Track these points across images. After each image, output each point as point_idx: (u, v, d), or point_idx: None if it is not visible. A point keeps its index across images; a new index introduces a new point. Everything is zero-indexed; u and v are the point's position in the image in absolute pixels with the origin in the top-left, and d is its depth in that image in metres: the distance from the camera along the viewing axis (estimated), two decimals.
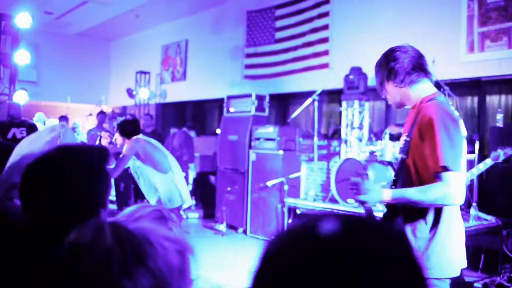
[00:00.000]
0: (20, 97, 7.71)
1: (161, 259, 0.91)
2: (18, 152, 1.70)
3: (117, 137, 4.85)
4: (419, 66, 2.46)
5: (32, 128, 7.18)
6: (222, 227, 7.44)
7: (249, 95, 7.81)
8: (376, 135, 6.70)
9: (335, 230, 0.62)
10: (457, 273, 2.28)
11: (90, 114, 11.56)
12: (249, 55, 10.10)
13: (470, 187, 5.81)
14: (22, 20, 7.85)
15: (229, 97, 8.21)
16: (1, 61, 8.05)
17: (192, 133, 9.23)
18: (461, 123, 2.32)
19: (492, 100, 6.65)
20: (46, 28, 12.72)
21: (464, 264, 2.32)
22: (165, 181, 4.76)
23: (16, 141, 6.63)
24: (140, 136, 4.85)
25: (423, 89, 2.44)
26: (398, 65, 2.45)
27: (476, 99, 6.77)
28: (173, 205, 4.76)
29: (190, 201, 5.05)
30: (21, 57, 7.92)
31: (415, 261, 0.63)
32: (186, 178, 7.98)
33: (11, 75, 8.18)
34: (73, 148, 1.35)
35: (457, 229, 2.31)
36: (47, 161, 1.26)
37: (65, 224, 1.16)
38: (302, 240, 0.64)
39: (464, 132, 2.30)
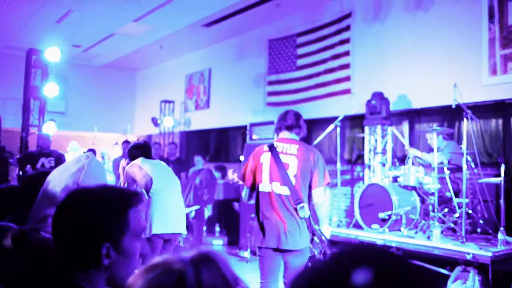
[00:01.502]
0: (49, 128, 7.93)
1: None
2: (47, 183, 1.78)
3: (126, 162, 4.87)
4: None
5: (60, 158, 7.38)
6: (246, 254, 7.44)
7: (272, 122, 7.87)
8: (400, 159, 6.68)
9: (368, 280, 0.60)
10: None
11: (116, 143, 11.78)
12: (271, 83, 10.22)
13: (496, 212, 5.72)
14: (51, 54, 8.14)
15: (252, 124, 8.30)
16: (31, 93, 8.33)
17: (218, 174, 9.23)
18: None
19: None
20: (74, 60, 13.11)
21: None
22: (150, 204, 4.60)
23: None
24: (138, 160, 4.74)
25: None
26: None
27: (500, 121, 6.70)
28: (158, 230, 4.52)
29: (173, 230, 4.65)
30: (50, 89, 8.19)
31: None
32: (202, 215, 8.01)
33: (41, 106, 8.44)
34: (96, 192, 1.39)
35: None
36: (71, 203, 1.34)
37: (84, 259, 1.29)
38: (333, 284, 0.62)
39: None
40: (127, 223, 1.31)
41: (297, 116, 3.90)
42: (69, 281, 1.27)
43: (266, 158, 3.76)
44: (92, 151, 9.01)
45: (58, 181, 1.75)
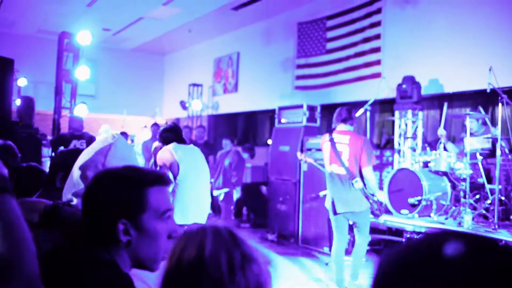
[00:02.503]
0: (81, 111, 8.07)
1: (257, 265, 1.05)
2: (77, 163, 1.81)
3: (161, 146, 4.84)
4: None
5: (91, 140, 7.51)
6: (274, 237, 7.47)
7: (301, 106, 7.84)
8: (430, 144, 6.57)
9: (461, 250, 0.60)
10: None
11: (145, 126, 11.91)
12: (300, 66, 10.15)
13: None
14: (83, 37, 8.24)
15: (281, 108, 8.27)
16: (63, 76, 8.46)
17: (246, 155, 9.26)
18: None
19: None
20: (104, 44, 13.25)
21: None
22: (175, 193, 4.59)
23: None
24: (171, 145, 4.70)
25: None
26: None
27: None
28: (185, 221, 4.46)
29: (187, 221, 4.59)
30: (82, 72, 8.31)
31: None
32: (230, 198, 8.04)
33: (72, 89, 8.58)
34: (118, 171, 1.41)
35: None
36: (94, 182, 1.37)
37: (102, 235, 1.33)
38: (427, 258, 0.61)
39: None
40: (145, 201, 1.32)
41: (349, 110, 5.06)
42: (92, 256, 1.30)
43: (327, 146, 5.02)
44: (124, 134, 9.14)
45: (85, 161, 1.77)
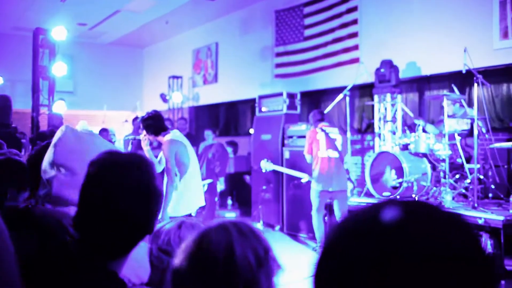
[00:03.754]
0: (59, 108, 7.98)
1: (272, 255, 1.11)
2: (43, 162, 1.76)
3: (148, 136, 4.70)
4: None
5: None
6: (259, 225, 7.52)
7: (280, 94, 7.87)
8: (410, 127, 6.65)
9: (398, 216, 0.61)
10: None
11: (126, 121, 11.82)
12: (279, 54, 10.15)
13: (508, 176, 5.71)
14: (58, 33, 8.13)
15: (261, 97, 8.28)
16: (40, 73, 8.35)
17: (230, 149, 9.27)
18: None
19: None
20: (80, 39, 13.08)
21: None
22: (180, 186, 4.51)
23: None
24: (175, 135, 4.67)
25: None
26: None
27: None
28: (178, 213, 4.41)
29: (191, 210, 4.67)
30: (59, 68, 8.20)
31: (483, 254, 0.61)
32: (214, 189, 8.06)
33: (50, 86, 8.48)
34: (123, 169, 1.30)
35: None
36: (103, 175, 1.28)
37: (112, 241, 1.26)
38: (365, 227, 0.62)
39: None
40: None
41: (321, 112, 6.31)
42: (95, 266, 1.26)
43: (321, 136, 5.89)
44: (105, 130, 9.06)
45: (45, 159, 1.73)
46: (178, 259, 1.06)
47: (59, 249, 1.32)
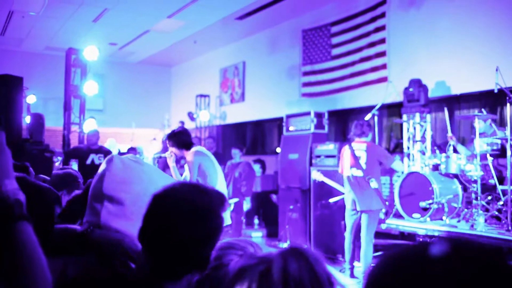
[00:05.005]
0: (90, 125, 8.12)
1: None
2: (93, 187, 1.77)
3: (174, 151, 4.79)
4: None
5: (108, 154, 7.55)
6: (286, 245, 7.45)
7: (308, 113, 7.85)
8: (440, 147, 6.55)
9: (445, 250, 0.63)
10: None
11: (154, 139, 11.95)
12: (306, 73, 10.16)
13: None
14: (90, 53, 8.32)
15: (288, 116, 8.28)
16: (72, 92, 8.54)
17: (257, 167, 9.27)
18: None
19: None
20: (111, 58, 13.36)
21: None
22: None
23: (94, 166, 6.99)
24: (201, 148, 4.81)
25: None
26: None
27: None
28: None
29: None
30: (90, 87, 8.38)
31: None
32: (240, 208, 8.04)
33: (81, 105, 8.65)
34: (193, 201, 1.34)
35: None
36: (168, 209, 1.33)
37: (178, 269, 1.30)
38: (412, 260, 0.65)
39: None
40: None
41: (362, 125, 5.80)
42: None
43: (347, 154, 5.75)
44: (133, 149, 9.17)
45: (93, 187, 1.73)
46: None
47: (120, 273, 1.37)
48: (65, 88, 8.63)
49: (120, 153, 9.10)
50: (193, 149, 4.72)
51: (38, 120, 8.09)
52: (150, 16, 9.97)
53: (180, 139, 4.75)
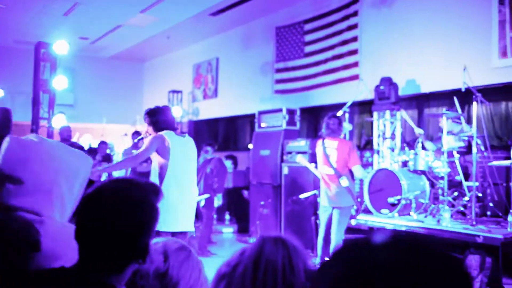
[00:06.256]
0: (59, 121, 7.98)
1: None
2: None
3: (150, 131, 4.42)
4: None
5: (80, 150, 7.44)
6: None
7: (280, 110, 7.88)
8: (409, 144, 6.65)
9: (386, 238, 0.68)
10: None
11: (125, 134, 11.83)
12: (279, 70, 10.20)
13: (506, 194, 5.70)
14: (60, 47, 8.16)
15: (260, 112, 8.30)
16: (41, 86, 8.37)
17: (229, 163, 9.22)
18: None
19: None
20: (82, 52, 13.16)
21: None
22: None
23: None
24: (167, 133, 4.31)
25: None
26: None
27: (510, 104, 6.65)
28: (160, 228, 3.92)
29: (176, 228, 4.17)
30: (59, 82, 8.22)
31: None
32: (211, 204, 8.01)
33: (50, 99, 8.49)
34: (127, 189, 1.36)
35: None
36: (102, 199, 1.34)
37: (112, 261, 1.30)
38: (355, 246, 0.70)
39: None
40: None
41: (333, 123, 5.66)
42: (99, 281, 1.29)
43: (319, 151, 5.70)
44: (103, 143, 9.07)
45: None
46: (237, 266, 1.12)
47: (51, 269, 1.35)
48: (34, 83, 8.44)
49: (90, 148, 8.97)
50: (161, 132, 4.31)
51: (5, 114, 7.88)
52: (123, 10, 9.86)
53: (154, 118, 4.37)
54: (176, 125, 4.57)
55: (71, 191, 1.68)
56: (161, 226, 3.78)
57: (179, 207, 4.17)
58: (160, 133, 4.28)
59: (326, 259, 0.73)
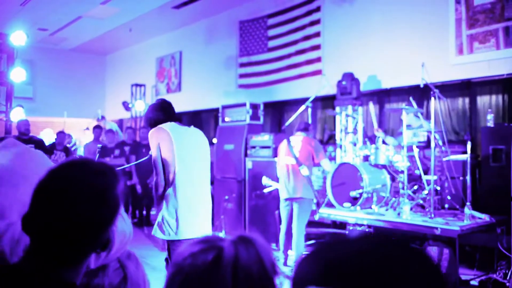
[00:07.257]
0: (17, 114, 7.78)
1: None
2: None
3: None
4: None
5: (39, 144, 7.28)
6: (221, 235, 7.49)
7: (244, 104, 7.90)
8: (370, 139, 6.79)
9: (361, 234, 0.73)
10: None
11: (87, 128, 11.62)
12: (242, 65, 10.20)
13: (463, 188, 5.89)
14: (17, 38, 7.94)
15: (224, 107, 8.29)
16: None
17: None
18: None
19: (483, 100, 6.75)
20: (41, 44, 12.83)
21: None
22: (167, 198, 3.60)
23: None
24: (166, 124, 3.75)
25: None
26: None
27: (467, 100, 6.87)
28: (164, 235, 3.57)
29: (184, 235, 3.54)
30: (17, 74, 8.00)
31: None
32: None
33: (8, 92, 8.25)
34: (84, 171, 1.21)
35: None
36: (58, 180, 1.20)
37: (70, 249, 1.17)
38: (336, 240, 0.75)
39: None
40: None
41: (306, 123, 6.12)
42: (60, 279, 1.18)
43: (283, 145, 5.94)
44: (62, 133, 8.82)
45: None
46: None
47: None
48: None
49: (52, 144, 8.75)
50: (164, 125, 3.78)
51: None
52: (83, 1, 9.65)
53: (147, 114, 3.87)
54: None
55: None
56: (182, 233, 3.52)
57: (197, 209, 3.67)
58: (160, 125, 3.73)
59: (302, 256, 0.78)
